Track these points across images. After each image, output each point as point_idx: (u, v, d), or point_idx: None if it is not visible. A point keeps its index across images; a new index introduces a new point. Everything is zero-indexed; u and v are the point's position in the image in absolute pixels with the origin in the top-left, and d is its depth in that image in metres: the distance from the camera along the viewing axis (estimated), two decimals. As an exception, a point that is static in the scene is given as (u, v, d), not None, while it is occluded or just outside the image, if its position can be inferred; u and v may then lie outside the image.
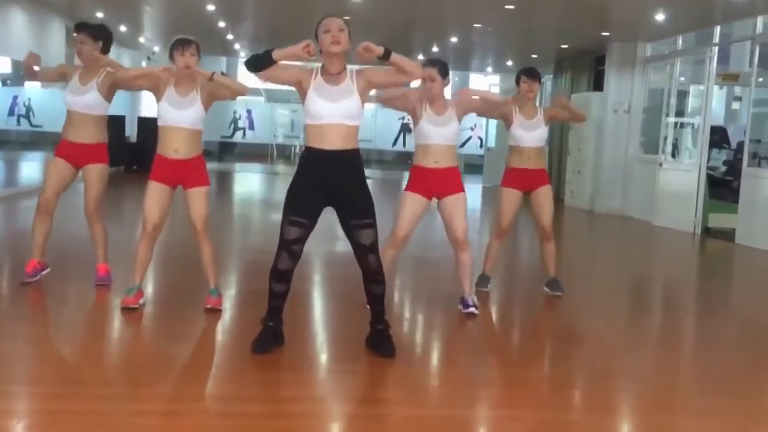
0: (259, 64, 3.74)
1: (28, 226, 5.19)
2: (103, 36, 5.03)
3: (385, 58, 3.75)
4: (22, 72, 5.24)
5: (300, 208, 3.84)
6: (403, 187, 4.96)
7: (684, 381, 4.17)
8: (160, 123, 4.60)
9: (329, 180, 3.83)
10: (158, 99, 4.58)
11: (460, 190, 4.83)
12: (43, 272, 5.14)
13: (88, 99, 4.95)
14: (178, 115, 4.53)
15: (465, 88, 5.06)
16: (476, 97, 5.11)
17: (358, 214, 3.88)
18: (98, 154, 5.03)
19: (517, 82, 5.56)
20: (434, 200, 4.88)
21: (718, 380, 4.08)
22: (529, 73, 5.51)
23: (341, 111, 3.80)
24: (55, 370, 3.74)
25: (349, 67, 3.92)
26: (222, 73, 4.83)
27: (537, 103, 5.68)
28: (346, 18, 3.93)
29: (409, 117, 4.98)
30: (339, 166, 3.83)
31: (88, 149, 4.99)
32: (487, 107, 5.24)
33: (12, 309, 4.76)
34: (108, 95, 5.00)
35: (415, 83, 4.51)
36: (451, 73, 4.88)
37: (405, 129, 21.58)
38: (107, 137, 5.11)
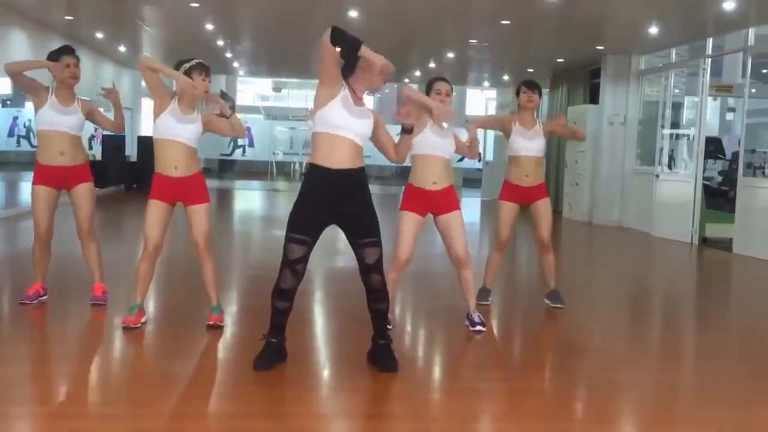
0: (348, 49, 3.68)
1: (28, 247, 5.21)
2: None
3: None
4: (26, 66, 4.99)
5: (303, 227, 3.85)
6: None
7: (685, 391, 4.18)
8: (156, 135, 4.60)
9: (335, 198, 3.84)
10: (159, 111, 4.56)
11: (456, 208, 4.85)
12: (42, 298, 5.15)
13: (73, 120, 5.01)
14: (178, 129, 4.56)
15: (473, 123, 5.15)
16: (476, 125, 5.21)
17: (362, 233, 3.91)
18: (84, 174, 5.09)
19: (518, 93, 5.64)
20: (429, 214, 4.90)
21: (720, 390, 4.09)
22: (529, 85, 5.60)
23: (358, 128, 3.85)
24: (57, 390, 3.75)
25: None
26: (224, 97, 4.84)
27: (536, 116, 5.72)
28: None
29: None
30: (345, 184, 3.85)
31: (74, 170, 5.03)
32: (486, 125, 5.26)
33: (12, 329, 4.77)
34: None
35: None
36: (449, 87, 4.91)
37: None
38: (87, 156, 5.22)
